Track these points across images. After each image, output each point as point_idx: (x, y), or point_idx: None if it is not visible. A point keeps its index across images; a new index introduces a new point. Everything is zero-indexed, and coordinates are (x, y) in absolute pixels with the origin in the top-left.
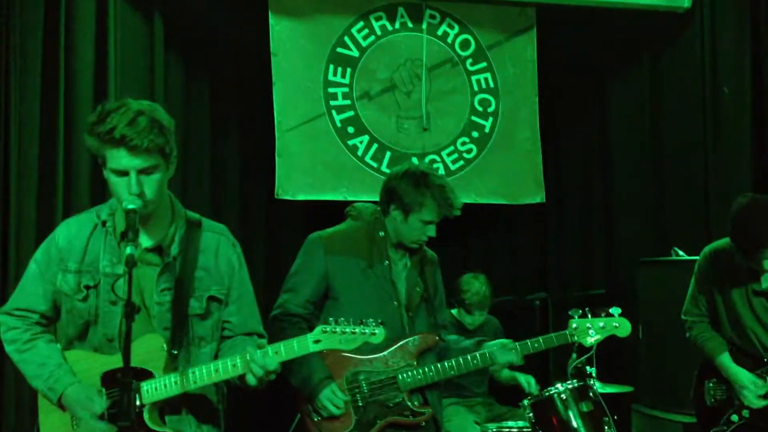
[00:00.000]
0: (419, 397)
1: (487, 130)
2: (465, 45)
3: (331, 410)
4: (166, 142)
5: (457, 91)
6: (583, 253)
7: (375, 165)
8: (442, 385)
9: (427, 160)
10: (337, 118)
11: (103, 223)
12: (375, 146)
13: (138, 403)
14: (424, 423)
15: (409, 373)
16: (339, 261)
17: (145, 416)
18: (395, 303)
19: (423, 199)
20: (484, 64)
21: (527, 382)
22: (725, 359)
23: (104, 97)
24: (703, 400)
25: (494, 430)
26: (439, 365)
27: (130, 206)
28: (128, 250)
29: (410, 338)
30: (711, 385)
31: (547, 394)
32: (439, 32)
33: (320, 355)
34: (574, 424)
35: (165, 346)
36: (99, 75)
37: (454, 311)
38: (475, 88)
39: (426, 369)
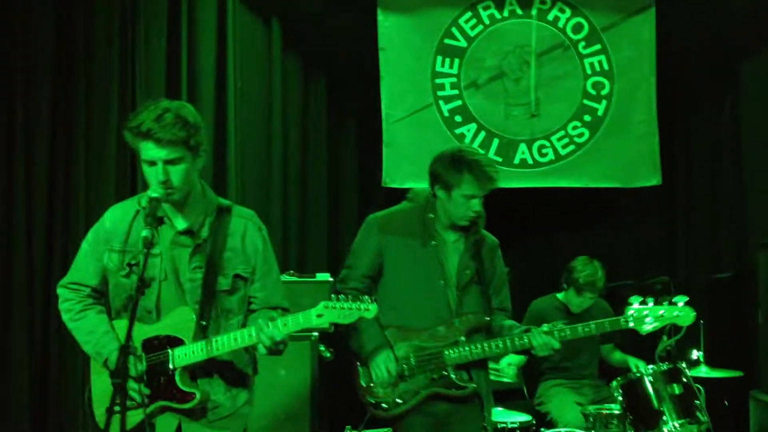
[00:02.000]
0: (464, 374)
1: (600, 113)
2: (577, 28)
3: (384, 375)
4: (190, 136)
5: (568, 75)
6: (711, 236)
7: (482, 152)
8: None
9: (536, 145)
10: (445, 107)
11: (144, 209)
12: (483, 134)
13: (171, 366)
14: (466, 396)
15: (455, 350)
16: (392, 240)
17: (177, 378)
18: (441, 282)
19: (460, 174)
20: (597, 47)
21: (635, 365)
22: None
23: (225, 99)
24: None
25: (592, 410)
26: (485, 344)
27: (153, 195)
28: (144, 232)
29: (460, 317)
30: None
31: (635, 376)
32: (550, 17)
33: (379, 325)
34: (663, 406)
35: (194, 317)
36: (219, 78)
37: (560, 295)
38: (588, 71)
39: (471, 347)
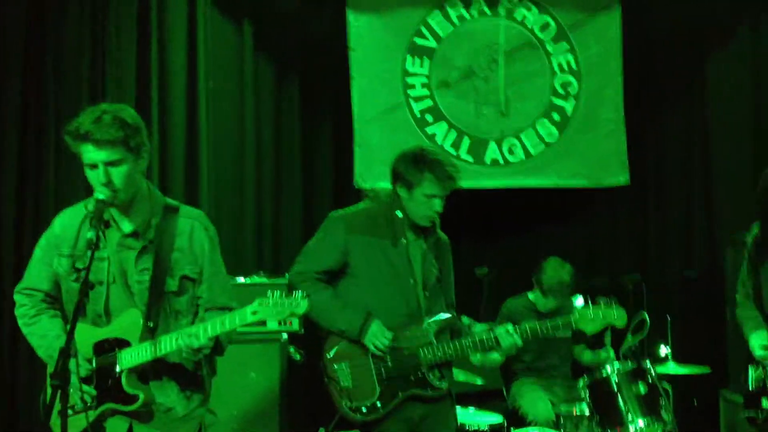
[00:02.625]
0: (437, 372)
1: (568, 112)
2: (544, 27)
3: (385, 342)
4: (129, 137)
5: (536, 73)
6: (682, 233)
7: (453, 152)
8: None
9: (506, 144)
10: (416, 107)
11: (89, 212)
12: (454, 133)
13: (117, 368)
14: (441, 397)
15: (430, 350)
16: (359, 239)
17: (123, 380)
18: (411, 281)
19: (421, 173)
20: (565, 45)
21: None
22: (752, 336)
23: (196, 100)
24: (747, 385)
25: (563, 410)
26: (458, 342)
27: (99, 197)
28: (89, 234)
29: (432, 317)
30: (754, 367)
31: (601, 375)
32: (518, 16)
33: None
34: (628, 405)
35: (141, 319)
36: (190, 79)
37: (531, 295)
38: (556, 69)
39: (445, 346)
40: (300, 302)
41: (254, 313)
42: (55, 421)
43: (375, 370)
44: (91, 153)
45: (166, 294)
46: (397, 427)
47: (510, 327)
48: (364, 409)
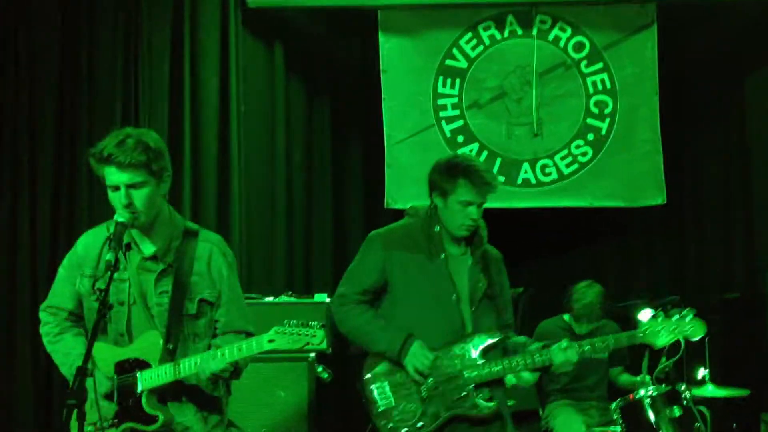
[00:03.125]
0: (485, 392)
1: (603, 132)
2: (579, 47)
3: (426, 363)
4: (151, 160)
5: (570, 94)
6: (721, 255)
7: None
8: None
9: (539, 164)
10: (447, 128)
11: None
12: (485, 153)
13: (138, 389)
14: (489, 417)
15: (475, 369)
16: (396, 255)
17: (143, 400)
18: (453, 297)
19: (455, 179)
20: (600, 65)
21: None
22: None
23: (228, 122)
24: None
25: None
26: (505, 361)
27: (119, 219)
28: (108, 256)
29: (477, 334)
30: None
31: (635, 398)
32: (551, 36)
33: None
34: (662, 428)
35: (161, 341)
36: (223, 101)
37: (566, 316)
38: (591, 90)
39: (492, 364)
40: (316, 332)
41: (271, 341)
42: None
43: (416, 390)
44: (113, 175)
45: (184, 317)
46: None
47: (565, 343)
48: (404, 430)
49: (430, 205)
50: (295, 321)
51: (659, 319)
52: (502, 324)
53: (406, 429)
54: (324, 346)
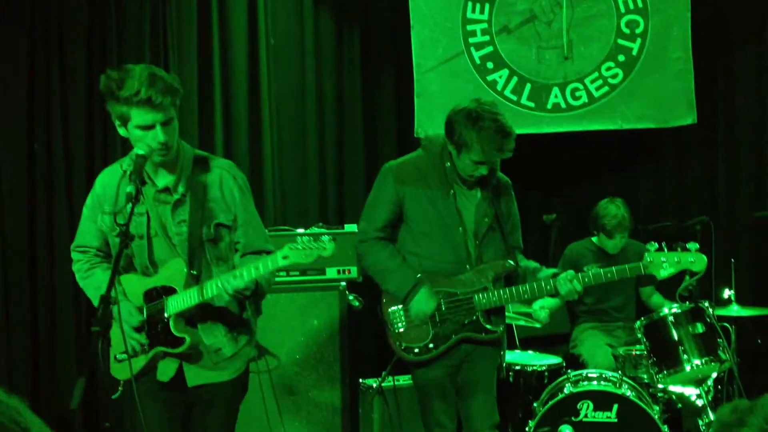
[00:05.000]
0: (491, 317)
1: (634, 52)
2: None
3: (428, 309)
4: (177, 97)
5: (601, 15)
6: (752, 174)
7: (514, 98)
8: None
9: (569, 88)
10: (476, 54)
11: (128, 168)
12: (515, 79)
13: (165, 314)
14: (493, 340)
15: (485, 295)
16: (407, 190)
17: (171, 324)
18: (460, 230)
19: (471, 140)
20: None
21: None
22: None
23: (257, 56)
24: None
25: (622, 352)
26: (513, 289)
27: (140, 152)
28: (128, 188)
29: (486, 264)
30: None
31: (658, 316)
32: None
33: (412, 269)
34: (685, 345)
35: (185, 268)
36: (251, 35)
37: (594, 239)
38: (622, 9)
39: (501, 292)
40: (326, 245)
41: (285, 257)
42: (113, 365)
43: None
44: (148, 115)
45: (204, 242)
46: (442, 364)
47: (570, 273)
48: (416, 350)
49: (443, 139)
50: (306, 237)
51: (662, 252)
52: (510, 247)
53: (417, 350)
54: (329, 253)
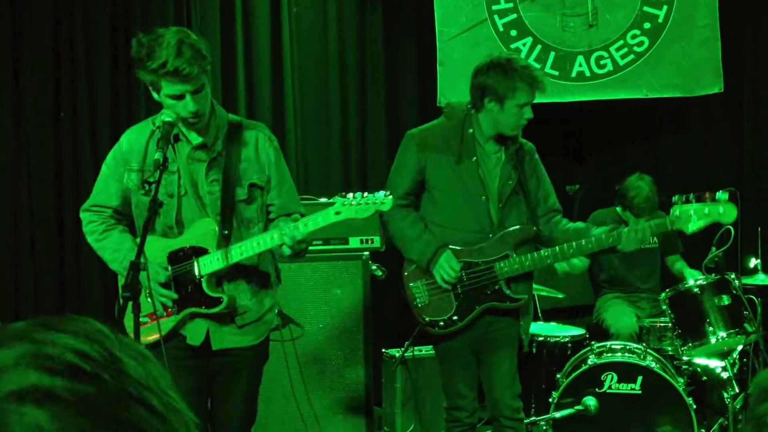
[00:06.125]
0: (515, 285)
1: (660, 20)
2: None
3: (451, 273)
4: (206, 63)
5: None
6: None
7: (538, 66)
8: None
9: (594, 56)
10: (500, 22)
11: (159, 128)
12: (539, 47)
13: (197, 274)
14: (518, 309)
15: (506, 262)
16: (430, 157)
17: (203, 284)
18: (483, 198)
19: (514, 83)
20: None
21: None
22: None
23: (280, 25)
24: None
25: (647, 324)
26: (535, 254)
27: (167, 119)
28: (157, 155)
29: (508, 229)
30: None
31: (683, 287)
32: None
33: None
34: (710, 317)
35: (216, 228)
36: (274, 4)
37: (618, 209)
38: None
39: (522, 258)
40: (385, 199)
41: (337, 213)
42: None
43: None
44: (177, 85)
45: (236, 203)
46: (463, 340)
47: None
48: (441, 323)
49: (466, 106)
50: (358, 193)
51: (690, 204)
52: (550, 210)
53: (443, 323)
54: (387, 207)
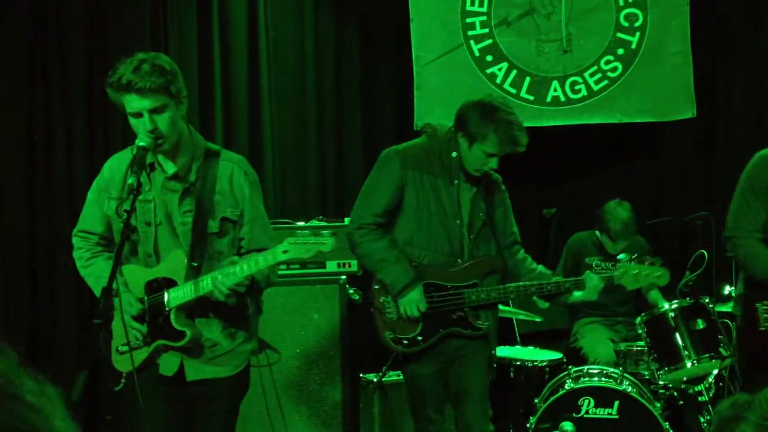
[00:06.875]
0: (480, 313)
1: (633, 46)
2: None
3: (414, 312)
4: (170, 83)
5: (600, 8)
6: None
7: (514, 91)
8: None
9: (568, 81)
10: (476, 47)
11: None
12: (514, 72)
13: (166, 307)
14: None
15: (474, 291)
16: (413, 176)
17: (172, 317)
18: (458, 221)
19: (487, 131)
20: None
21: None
22: None
23: (257, 48)
24: (756, 325)
25: (623, 348)
26: (502, 287)
27: (140, 143)
28: (130, 180)
29: (479, 259)
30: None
31: (658, 312)
32: None
33: (407, 258)
34: (685, 341)
35: (185, 260)
36: (251, 27)
37: (597, 232)
38: (621, 2)
39: (489, 289)
40: (326, 240)
41: (285, 252)
42: (115, 357)
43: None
44: (135, 102)
45: (208, 235)
46: (431, 365)
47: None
48: (405, 341)
49: (450, 129)
50: (306, 232)
51: (632, 265)
52: (511, 242)
53: (407, 341)
54: (328, 248)
